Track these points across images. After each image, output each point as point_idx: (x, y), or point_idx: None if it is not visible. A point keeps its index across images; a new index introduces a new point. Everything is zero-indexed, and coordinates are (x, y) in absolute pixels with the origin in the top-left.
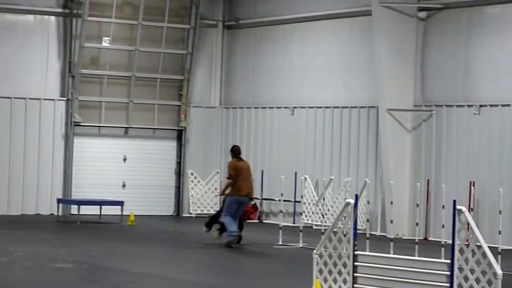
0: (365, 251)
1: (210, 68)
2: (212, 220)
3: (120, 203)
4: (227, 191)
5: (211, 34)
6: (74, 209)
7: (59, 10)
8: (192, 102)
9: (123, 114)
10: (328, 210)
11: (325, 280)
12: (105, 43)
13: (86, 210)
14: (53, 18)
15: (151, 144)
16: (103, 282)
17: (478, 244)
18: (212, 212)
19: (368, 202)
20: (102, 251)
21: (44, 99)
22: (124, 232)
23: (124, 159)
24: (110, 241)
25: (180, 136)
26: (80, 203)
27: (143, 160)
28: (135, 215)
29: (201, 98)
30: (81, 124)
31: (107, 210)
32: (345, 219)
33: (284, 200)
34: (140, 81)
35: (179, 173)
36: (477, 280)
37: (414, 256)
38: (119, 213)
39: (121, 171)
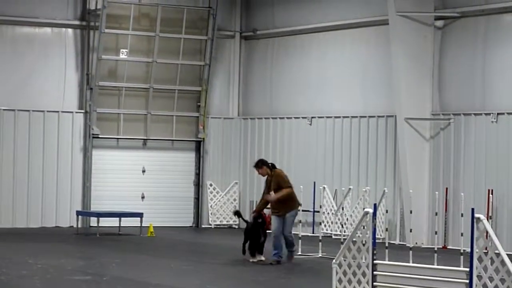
0: (384, 260)
1: (228, 79)
2: (255, 246)
3: (140, 215)
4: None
5: (229, 44)
6: (93, 221)
7: (77, 22)
8: (210, 113)
9: (141, 126)
10: (347, 219)
11: None
12: (123, 55)
13: (105, 222)
14: (70, 30)
15: (169, 156)
16: None
17: (497, 252)
18: (232, 223)
19: (387, 211)
20: (122, 263)
21: (62, 112)
22: (143, 244)
23: (143, 171)
24: (129, 253)
25: (198, 147)
26: (99, 215)
27: (161, 172)
28: (154, 227)
29: (219, 109)
30: (100, 136)
31: (127, 222)
32: (364, 228)
33: (303, 210)
34: (158, 93)
35: (198, 184)
36: None
37: (433, 264)
38: (139, 225)
39: (140, 183)
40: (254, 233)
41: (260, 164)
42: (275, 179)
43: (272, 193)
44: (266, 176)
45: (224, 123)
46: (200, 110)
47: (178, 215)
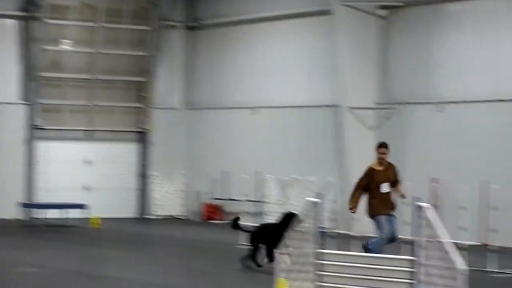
0: (330, 250)
1: (172, 69)
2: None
3: (84, 206)
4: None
5: (173, 35)
6: (38, 213)
7: (18, 13)
8: (155, 104)
9: (85, 117)
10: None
11: (289, 279)
12: (66, 46)
13: (50, 213)
14: (12, 21)
15: (114, 147)
16: (69, 286)
17: (441, 240)
18: (176, 213)
19: (332, 201)
20: (67, 255)
21: (5, 103)
22: (89, 235)
23: (88, 162)
24: (75, 245)
25: (143, 138)
26: (44, 206)
27: (106, 163)
28: (99, 218)
29: (163, 100)
30: (44, 127)
31: (71, 213)
32: (309, 218)
33: (248, 200)
34: (102, 84)
35: (143, 175)
36: (440, 276)
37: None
38: (83, 216)
39: (84, 174)
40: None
41: (388, 147)
42: (395, 171)
43: (385, 184)
44: (372, 164)
45: (168, 113)
46: (145, 101)
47: (123, 206)
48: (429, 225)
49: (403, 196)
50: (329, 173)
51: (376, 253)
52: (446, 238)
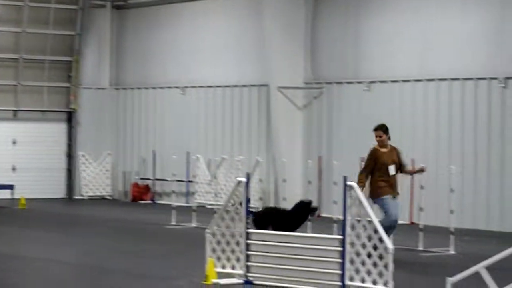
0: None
1: (100, 49)
2: None
3: (10, 187)
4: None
5: (100, 14)
6: None
7: None
8: (82, 83)
9: (12, 97)
10: (221, 189)
11: (219, 258)
12: None
13: None
14: None
15: (41, 127)
16: None
17: (369, 219)
18: (104, 194)
19: (261, 180)
20: None
21: None
22: (15, 216)
23: (14, 142)
24: (1, 226)
25: (70, 118)
26: None
27: (33, 143)
28: (26, 199)
29: (91, 79)
30: None
31: None
32: (237, 197)
33: (176, 180)
34: (28, 63)
35: (70, 155)
36: (369, 255)
37: (307, 232)
38: (10, 197)
39: (10, 155)
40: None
41: (386, 129)
42: (399, 154)
43: (392, 167)
44: (376, 146)
45: (96, 93)
46: (72, 81)
47: (50, 186)
48: (358, 204)
49: (422, 170)
50: (258, 152)
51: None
52: (374, 218)
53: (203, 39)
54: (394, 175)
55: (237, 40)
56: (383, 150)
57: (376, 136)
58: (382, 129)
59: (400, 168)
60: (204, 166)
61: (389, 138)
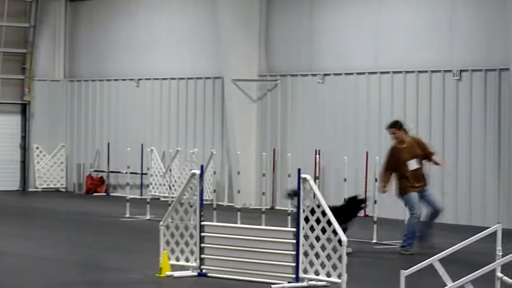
0: (212, 222)
1: (54, 41)
2: None
3: None
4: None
5: (54, 6)
6: None
7: None
8: (36, 75)
9: None
10: (175, 181)
11: (172, 251)
12: None
13: None
14: None
15: None
16: None
17: (323, 211)
18: (59, 186)
19: (215, 173)
20: None
21: None
22: None
23: None
24: None
25: (24, 110)
26: None
27: None
28: None
29: (45, 71)
30: None
31: None
32: (191, 190)
33: (130, 173)
34: None
35: (24, 148)
36: (323, 248)
37: (261, 225)
38: None
39: None
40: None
41: (399, 125)
42: (422, 145)
43: (412, 161)
44: (394, 144)
45: (50, 85)
46: (26, 73)
47: (4, 178)
48: (312, 196)
49: (436, 163)
50: (212, 145)
51: (412, 233)
52: (328, 210)
53: (158, 31)
54: (418, 168)
55: (192, 32)
56: (402, 146)
57: (390, 134)
58: (394, 126)
59: (427, 157)
60: (159, 159)
61: (405, 132)
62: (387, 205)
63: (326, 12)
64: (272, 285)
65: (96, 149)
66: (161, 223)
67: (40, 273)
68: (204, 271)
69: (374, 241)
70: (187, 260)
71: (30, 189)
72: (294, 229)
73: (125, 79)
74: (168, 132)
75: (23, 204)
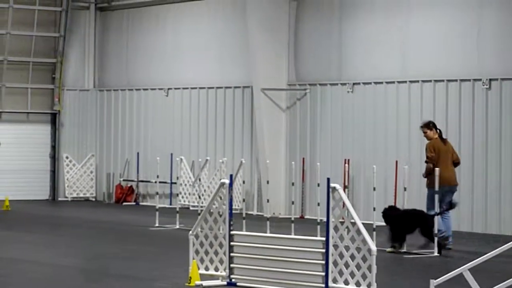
0: (241, 231)
1: (84, 50)
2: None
3: None
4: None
5: (84, 16)
6: None
7: None
8: (66, 85)
9: None
10: (205, 191)
11: (202, 260)
12: None
13: None
14: None
15: (25, 128)
16: None
17: (353, 221)
18: (88, 195)
19: (244, 182)
20: None
21: None
22: None
23: None
24: None
25: (54, 119)
26: None
27: (17, 145)
28: (10, 200)
29: (74, 81)
30: None
31: None
32: (220, 199)
33: (160, 182)
34: (13, 65)
35: (54, 157)
36: (352, 257)
37: (290, 234)
38: None
39: None
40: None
41: (432, 126)
42: (452, 149)
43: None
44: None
45: (79, 95)
46: (56, 82)
47: (34, 188)
48: (342, 206)
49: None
50: (241, 154)
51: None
52: (357, 219)
53: (186, 40)
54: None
55: (221, 41)
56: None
57: (423, 133)
58: (424, 126)
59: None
60: (188, 168)
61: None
62: None
63: (355, 21)
64: None
65: (126, 158)
66: (190, 232)
67: (66, 282)
68: (233, 280)
69: (404, 250)
70: (216, 269)
71: (59, 199)
72: (323, 239)
73: (154, 89)
74: (197, 141)
75: (52, 213)
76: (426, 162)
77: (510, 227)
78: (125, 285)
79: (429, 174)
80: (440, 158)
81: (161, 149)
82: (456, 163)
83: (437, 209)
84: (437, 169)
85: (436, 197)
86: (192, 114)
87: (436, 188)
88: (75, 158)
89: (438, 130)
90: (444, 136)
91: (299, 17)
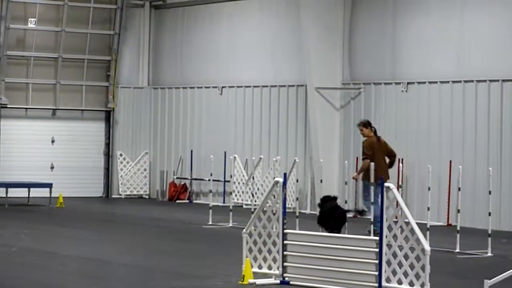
0: (295, 230)
1: (138, 48)
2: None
3: (49, 185)
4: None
5: (138, 14)
6: (1, 192)
7: None
8: (120, 82)
9: (51, 96)
10: (258, 189)
11: (255, 258)
12: (31, 24)
13: (14, 193)
14: None
15: (79, 126)
16: (33, 265)
17: (406, 220)
18: (142, 193)
19: (297, 181)
20: (31, 234)
21: None
22: (53, 214)
23: (52, 141)
24: (39, 224)
25: (108, 117)
26: (8, 185)
27: (71, 142)
28: (64, 197)
29: (129, 78)
30: (8, 106)
31: (36, 192)
32: (274, 197)
33: (213, 180)
34: (67, 62)
35: (108, 154)
36: (406, 257)
37: (343, 233)
38: (48, 196)
39: (49, 153)
40: None
41: (368, 124)
42: (385, 145)
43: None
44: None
45: (134, 92)
46: (110, 80)
47: (88, 185)
48: (395, 205)
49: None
50: (295, 152)
51: None
52: (411, 219)
53: (240, 38)
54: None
55: (275, 40)
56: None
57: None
58: (359, 125)
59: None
60: (241, 166)
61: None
62: (470, 214)
63: (409, 20)
64: None
65: (179, 156)
66: (244, 230)
67: (121, 279)
68: (286, 279)
69: (457, 250)
70: (269, 267)
71: (113, 196)
72: (377, 238)
73: (208, 87)
74: (251, 139)
75: (106, 210)
76: (363, 159)
77: None
78: (179, 283)
79: (365, 169)
80: (375, 155)
81: (215, 147)
82: (391, 156)
83: (372, 199)
84: (372, 164)
85: (372, 188)
86: (246, 112)
87: (371, 180)
88: (129, 155)
89: (373, 128)
90: (379, 134)
91: (353, 16)
